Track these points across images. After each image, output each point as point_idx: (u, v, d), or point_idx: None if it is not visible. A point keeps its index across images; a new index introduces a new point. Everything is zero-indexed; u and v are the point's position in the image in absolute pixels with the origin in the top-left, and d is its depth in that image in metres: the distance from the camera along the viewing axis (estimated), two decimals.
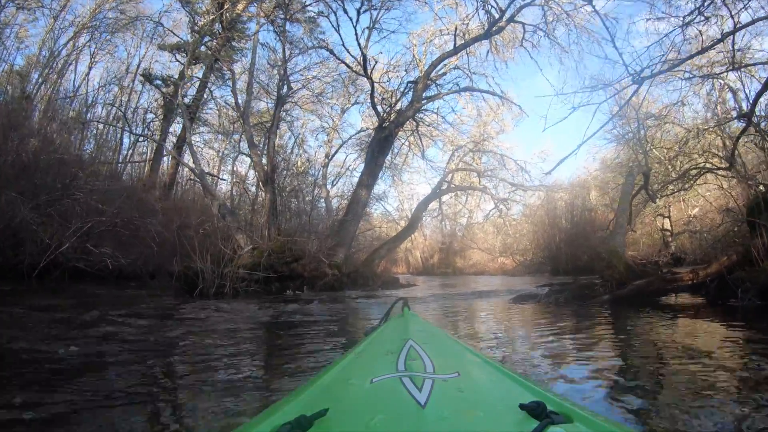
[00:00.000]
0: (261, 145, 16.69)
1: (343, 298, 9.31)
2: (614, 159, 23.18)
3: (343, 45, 13.94)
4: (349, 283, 11.84)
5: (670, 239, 23.14)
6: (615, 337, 4.29)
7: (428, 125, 16.44)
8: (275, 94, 14.73)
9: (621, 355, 3.47)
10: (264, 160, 13.49)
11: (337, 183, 23.28)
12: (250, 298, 8.68)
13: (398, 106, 14.98)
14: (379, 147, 14.24)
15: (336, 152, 23.66)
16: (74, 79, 16.41)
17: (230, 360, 3.35)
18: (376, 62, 15.04)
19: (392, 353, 1.21)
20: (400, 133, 16.29)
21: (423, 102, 14.61)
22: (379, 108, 14.99)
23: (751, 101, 9.19)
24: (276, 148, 18.25)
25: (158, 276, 11.16)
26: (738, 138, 11.26)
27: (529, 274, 22.48)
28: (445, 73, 16.08)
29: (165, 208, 12.22)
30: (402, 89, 15.19)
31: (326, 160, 23.42)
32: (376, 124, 14.96)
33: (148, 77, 17.34)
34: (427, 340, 1.40)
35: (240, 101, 14.74)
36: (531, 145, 58.45)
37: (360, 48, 13.18)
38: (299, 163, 23.83)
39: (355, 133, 22.61)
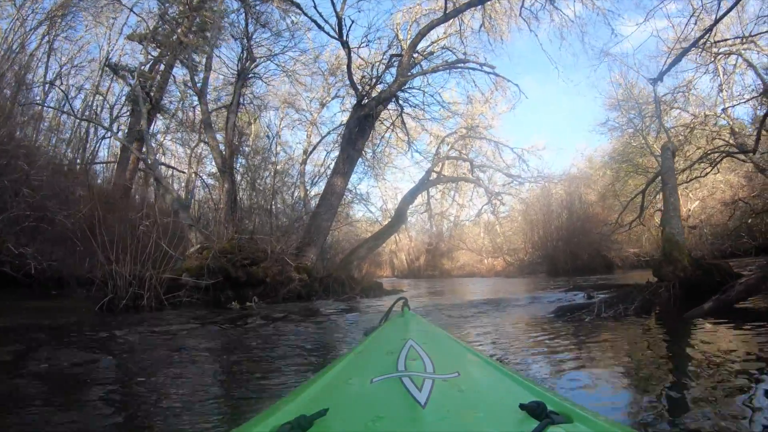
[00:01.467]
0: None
1: (309, 312, 7.13)
2: (615, 150, 21.82)
3: (315, 8, 11.63)
4: (321, 291, 9.73)
5: None
6: None
7: (414, 107, 14.16)
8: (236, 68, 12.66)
9: None
10: (222, 145, 11.45)
11: (318, 182, 20.91)
12: (181, 313, 6.72)
13: (379, 87, 12.90)
14: (358, 128, 12.05)
15: (314, 149, 21.88)
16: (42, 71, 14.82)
17: None
18: (353, 22, 12.91)
19: (392, 353, 1.19)
20: (382, 118, 14.22)
21: (408, 77, 12.43)
22: (358, 83, 12.95)
23: None
24: (240, 131, 16.31)
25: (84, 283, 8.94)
26: (765, 118, 9.67)
27: (524, 276, 20.60)
28: (432, 52, 14.05)
29: (87, 198, 9.85)
30: (385, 61, 13.06)
31: (304, 157, 21.85)
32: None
33: (114, 68, 15.23)
34: (427, 340, 1.40)
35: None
36: (522, 139, 56.53)
37: (333, 5, 10.91)
38: (276, 160, 22.16)
39: (335, 128, 20.06)
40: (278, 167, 22.19)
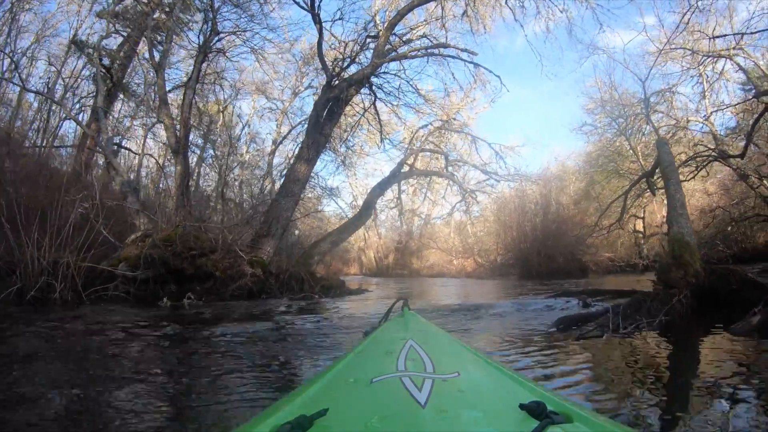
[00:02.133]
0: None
1: (251, 314, 5.97)
2: (591, 154, 21.56)
3: None
4: (276, 288, 8.63)
5: (642, 242, 21.59)
6: None
7: (388, 94, 13.07)
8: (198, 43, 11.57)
9: None
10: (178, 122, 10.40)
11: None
12: (96, 309, 5.72)
13: (353, 69, 11.87)
14: (326, 111, 11.00)
15: (283, 139, 20.98)
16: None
17: None
18: None
19: (392, 353, 1.20)
20: (354, 103, 13.21)
21: (384, 59, 11.42)
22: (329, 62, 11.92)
23: None
24: (210, 119, 15.42)
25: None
26: (757, 120, 9.21)
27: (496, 278, 19.89)
28: (411, 40, 13.08)
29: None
30: (360, 41, 12.00)
31: (273, 148, 21.08)
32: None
33: (80, 45, 14.01)
34: (427, 339, 1.41)
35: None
36: (497, 140, 56.24)
37: None
38: (245, 150, 21.25)
39: (306, 117, 19.10)
40: (247, 157, 21.33)
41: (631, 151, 18.19)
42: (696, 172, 12.60)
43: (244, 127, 21.42)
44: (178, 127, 10.81)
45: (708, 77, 15.28)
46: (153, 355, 3.51)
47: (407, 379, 0.96)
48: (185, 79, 13.01)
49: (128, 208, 9.75)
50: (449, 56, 12.64)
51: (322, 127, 10.99)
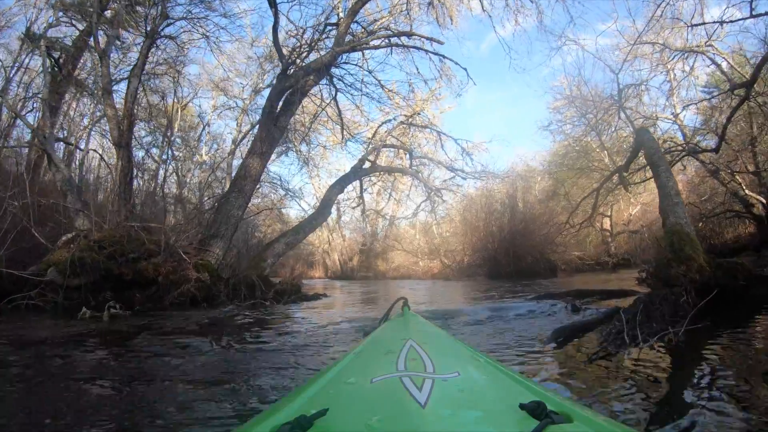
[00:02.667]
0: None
1: (182, 328, 4.96)
2: (557, 152, 21.54)
3: None
4: (224, 295, 7.78)
5: (609, 239, 21.57)
6: None
7: (349, 86, 12.26)
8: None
9: None
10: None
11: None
12: (20, 319, 4.72)
13: (309, 57, 11.05)
14: (281, 102, 10.17)
15: (243, 138, 19.80)
16: None
17: None
18: None
19: (392, 353, 1.19)
20: (312, 94, 12.39)
21: (345, 46, 10.61)
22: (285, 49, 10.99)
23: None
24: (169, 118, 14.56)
25: None
26: (733, 113, 9.14)
27: (463, 279, 19.32)
28: (374, 30, 12.35)
29: None
30: (319, 29, 11.19)
31: (233, 147, 20.31)
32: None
33: (32, 37, 12.79)
34: (427, 339, 1.41)
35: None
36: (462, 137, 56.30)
37: None
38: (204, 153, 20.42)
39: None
40: (207, 158, 20.70)
41: (600, 148, 18.01)
42: (671, 166, 12.49)
43: (204, 127, 20.81)
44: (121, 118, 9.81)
45: (676, 76, 15.28)
46: None
47: (407, 379, 0.96)
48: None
49: (68, 207, 8.78)
50: (414, 47, 11.96)
51: (276, 119, 10.13)
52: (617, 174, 12.09)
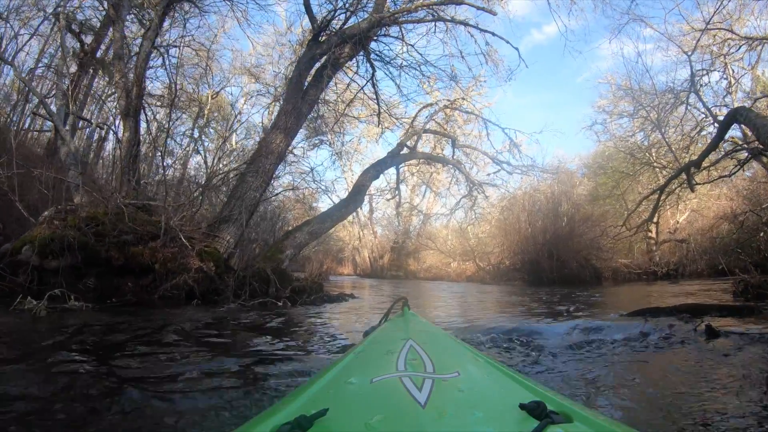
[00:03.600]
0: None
1: (154, 337, 3.61)
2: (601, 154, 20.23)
3: None
4: (230, 290, 6.54)
5: (654, 248, 19.90)
6: None
7: (388, 63, 10.89)
8: None
9: None
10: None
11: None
12: None
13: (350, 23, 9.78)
14: (310, 72, 9.06)
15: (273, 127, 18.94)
16: None
17: None
18: None
19: (392, 353, 1.18)
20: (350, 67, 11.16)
21: (384, 14, 9.34)
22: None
23: None
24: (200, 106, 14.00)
25: None
26: None
27: (500, 283, 18.05)
28: (411, 10, 11.05)
29: None
30: None
31: (263, 135, 19.14)
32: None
33: (59, 17, 12.39)
34: (427, 339, 1.39)
35: None
36: (498, 143, 54.74)
37: None
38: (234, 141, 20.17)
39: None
40: (236, 146, 20.29)
41: (657, 145, 16.47)
42: (740, 166, 11.10)
43: (236, 116, 20.30)
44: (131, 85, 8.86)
45: (734, 72, 13.76)
46: None
47: (407, 379, 0.95)
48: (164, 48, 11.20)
49: (68, 182, 7.90)
50: (461, 23, 10.66)
51: (305, 92, 8.99)
52: (685, 171, 10.72)
